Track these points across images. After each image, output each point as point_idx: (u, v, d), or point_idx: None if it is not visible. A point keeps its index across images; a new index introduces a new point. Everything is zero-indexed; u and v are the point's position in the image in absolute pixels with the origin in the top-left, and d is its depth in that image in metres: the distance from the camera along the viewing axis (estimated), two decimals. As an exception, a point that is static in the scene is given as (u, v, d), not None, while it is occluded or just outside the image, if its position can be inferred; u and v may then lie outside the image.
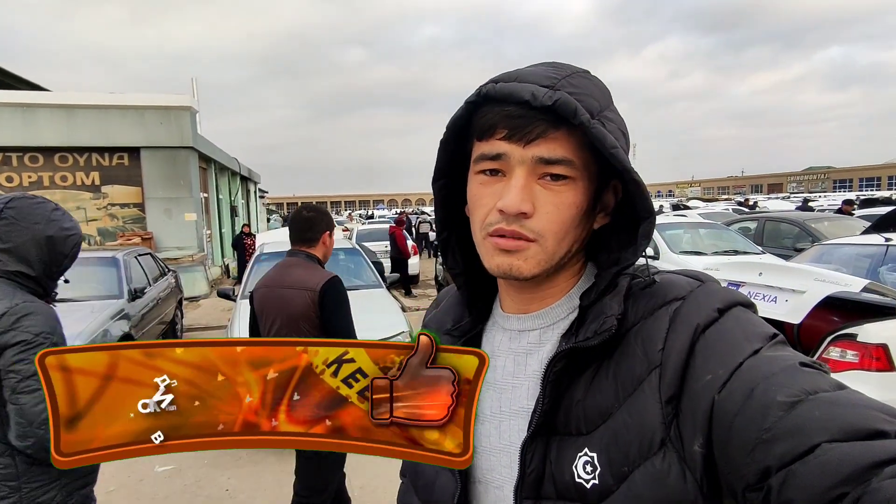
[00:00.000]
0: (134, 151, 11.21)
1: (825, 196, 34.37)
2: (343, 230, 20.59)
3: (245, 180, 20.10)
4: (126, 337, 4.83)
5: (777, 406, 0.41)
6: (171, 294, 6.77)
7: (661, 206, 20.57)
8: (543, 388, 0.55)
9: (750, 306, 0.55)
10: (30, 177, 10.94)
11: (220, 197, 15.50)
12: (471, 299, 0.68)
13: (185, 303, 8.94)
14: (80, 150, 11.02)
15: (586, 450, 0.53)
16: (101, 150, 11.13)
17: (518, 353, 0.62)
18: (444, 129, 0.60)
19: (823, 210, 17.57)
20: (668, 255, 6.74)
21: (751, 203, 21.01)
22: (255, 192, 23.96)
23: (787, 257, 5.47)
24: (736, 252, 6.75)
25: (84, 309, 4.74)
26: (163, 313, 6.19)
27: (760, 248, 7.14)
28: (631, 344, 0.54)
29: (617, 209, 0.61)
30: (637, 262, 0.60)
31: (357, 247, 6.02)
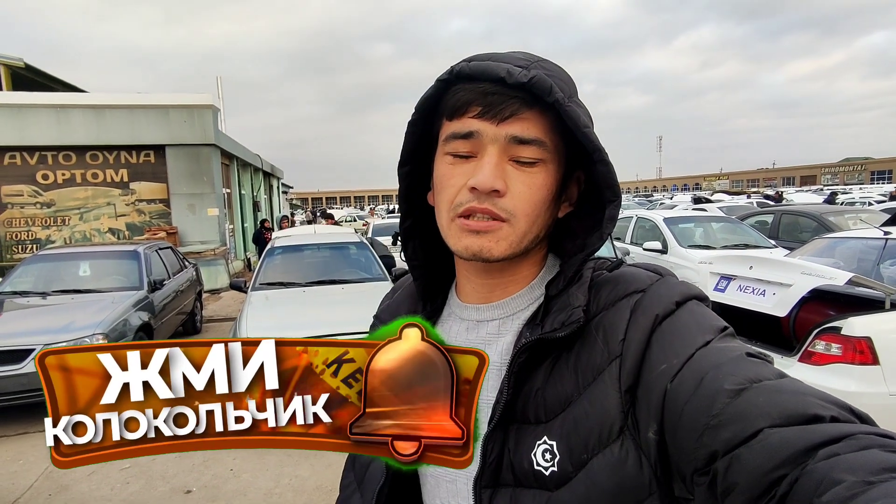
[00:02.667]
0: (160, 149, 11.61)
1: (861, 188, 33.09)
2: (363, 224, 20.89)
3: (268, 176, 20.55)
4: (145, 326, 5.10)
5: (724, 394, 0.43)
6: (191, 286, 7.07)
7: (647, 197, 20.14)
8: (508, 379, 0.55)
9: (704, 300, 0.56)
10: (63, 174, 11.45)
11: (243, 192, 15.91)
12: (426, 291, 0.68)
13: (206, 295, 9.29)
14: (110, 148, 11.48)
15: (545, 438, 0.53)
16: (129, 148, 11.57)
17: (476, 345, 0.60)
18: (413, 110, 0.59)
19: (854, 202, 16.97)
20: (675, 249, 6.70)
21: (776, 196, 20.43)
22: (279, 187, 24.45)
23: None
24: (746, 246, 6.66)
25: (106, 299, 5.03)
26: (182, 305, 6.48)
27: (774, 242, 7.03)
28: (592, 334, 0.54)
29: (581, 196, 0.62)
30: (599, 255, 0.62)
31: (365, 241, 6.18)
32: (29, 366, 4.05)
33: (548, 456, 0.52)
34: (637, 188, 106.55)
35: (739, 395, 0.42)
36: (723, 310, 3.56)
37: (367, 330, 0.70)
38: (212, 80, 18.11)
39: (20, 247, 11.10)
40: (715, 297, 3.49)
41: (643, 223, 7.97)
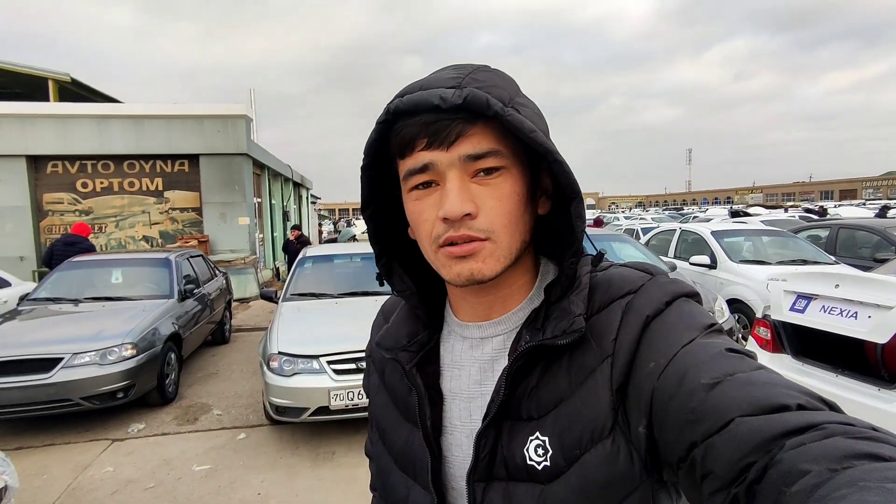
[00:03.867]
0: (194, 158, 11.75)
1: (908, 203, 31.45)
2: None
3: (297, 186, 20.72)
4: (174, 336, 4.99)
5: (701, 388, 0.45)
6: (221, 295, 6.98)
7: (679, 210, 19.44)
8: (507, 380, 0.56)
9: (693, 296, 0.57)
10: (102, 183, 11.68)
11: (273, 202, 16.02)
12: (428, 314, 0.67)
13: (235, 304, 9.23)
14: (147, 157, 11.67)
15: (538, 434, 0.54)
16: (164, 158, 11.75)
17: (483, 361, 0.62)
18: (362, 156, 0.59)
19: (906, 218, 16.02)
20: (726, 265, 6.29)
21: (820, 210, 19.48)
22: (307, 197, 24.67)
23: (865, 269, 4.95)
24: (805, 262, 6.20)
25: (136, 308, 4.94)
26: (212, 314, 6.38)
27: (833, 257, 6.54)
28: (586, 336, 0.55)
29: (556, 196, 0.60)
30: (594, 258, 0.63)
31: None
32: (57, 375, 3.94)
33: (540, 451, 0.54)
34: (665, 201, 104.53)
35: (714, 388, 0.44)
36: (798, 332, 3.21)
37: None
38: (247, 93, 18.63)
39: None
40: (791, 317, 3.14)
41: (687, 236, 7.57)
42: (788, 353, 3.26)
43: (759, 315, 3.65)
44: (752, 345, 3.57)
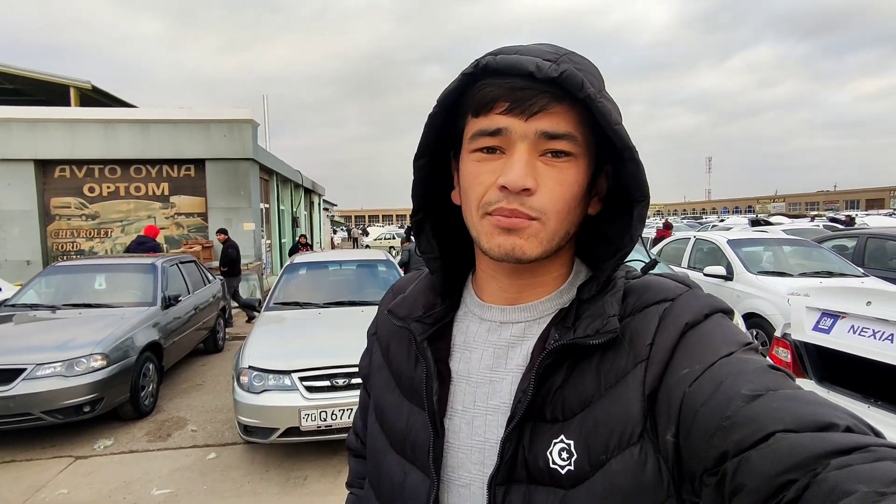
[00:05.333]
0: (199, 163, 11.68)
1: (940, 212, 30.18)
2: (402, 242, 20.68)
3: (309, 192, 20.63)
4: (153, 345, 4.76)
5: (740, 398, 0.43)
6: (214, 302, 6.76)
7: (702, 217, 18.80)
8: (535, 380, 0.54)
9: (729, 313, 0.56)
10: (108, 187, 11.67)
11: (282, 208, 15.91)
12: (445, 286, 0.66)
13: (236, 310, 9.04)
14: (153, 161, 11.64)
15: (562, 437, 0.53)
16: (171, 162, 11.70)
17: (498, 346, 0.60)
18: (435, 103, 0.57)
19: (939, 228, 15.20)
20: (743, 276, 5.85)
21: (847, 219, 18.67)
22: (320, 203, 24.60)
23: (897, 282, 4.51)
24: (830, 274, 5.74)
25: (114, 315, 4.72)
26: (200, 322, 6.15)
27: (861, 269, 6.07)
28: (618, 337, 0.54)
29: (610, 198, 0.60)
30: (646, 266, 0.62)
31: (392, 259, 5.70)
32: (17, 387, 3.71)
33: (564, 455, 0.52)
34: (685, 210, 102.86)
35: (755, 399, 0.43)
36: (823, 354, 2.82)
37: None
38: (269, 101, 18.58)
39: (65, 257, 11.29)
40: (815, 338, 2.75)
41: (702, 245, 7.14)
42: (811, 378, 2.87)
43: (777, 333, 3.26)
44: (770, 367, 3.19)
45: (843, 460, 0.36)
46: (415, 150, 0.61)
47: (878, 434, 0.40)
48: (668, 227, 13.59)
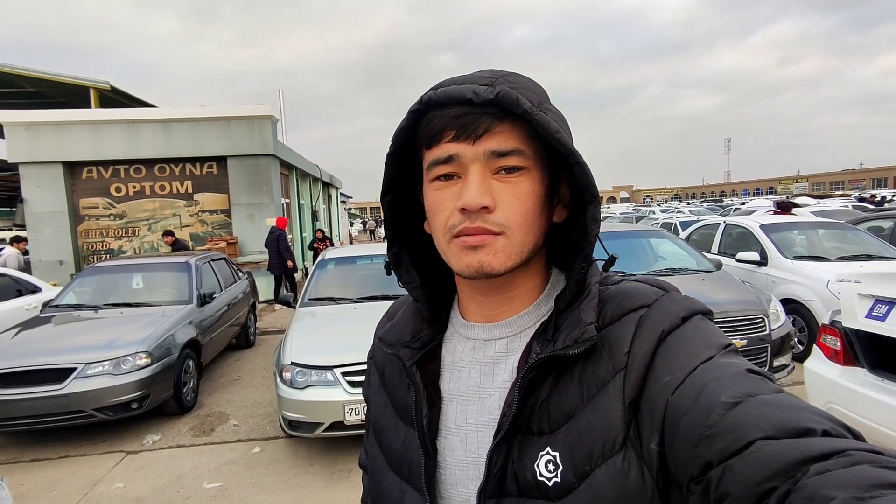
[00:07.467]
0: (221, 160, 11.81)
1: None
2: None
3: (326, 186, 20.76)
4: (192, 343, 4.86)
5: (720, 406, 0.43)
6: (244, 298, 6.88)
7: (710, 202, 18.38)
8: (518, 393, 0.54)
9: (708, 314, 0.57)
10: (134, 187, 11.87)
11: (302, 202, 16.04)
12: (431, 311, 0.67)
13: (262, 306, 9.18)
14: (176, 160, 11.80)
15: (548, 449, 0.53)
16: (193, 160, 11.84)
17: (484, 364, 0.61)
18: (390, 143, 0.60)
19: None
20: (778, 261, 5.74)
21: (878, 198, 18.14)
22: (337, 197, 24.74)
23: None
24: (869, 257, 5.61)
25: (154, 314, 4.83)
26: (233, 318, 6.27)
27: (901, 252, 5.91)
28: (597, 348, 0.54)
29: (573, 204, 0.61)
30: (604, 272, 0.62)
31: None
32: (70, 385, 3.84)
33: (551, 467, 0.53)
34: (703, 193, 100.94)
35: (735, 407, 0.43)
36: (876, 342, 2.77)
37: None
38: (283, 94, 18.60)
39: (95, 257, 11.56)
40: (869, 325, 2.70)
41: (732, 230, 7.01)
42: (864, 366, 2.82)
43: (824, 321, 3.20)
44: (816, 354, 3.13)
45: (822, 466, 0.36)
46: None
47: (855, 435, 0.40)
48: (785, 209, 9.25)
